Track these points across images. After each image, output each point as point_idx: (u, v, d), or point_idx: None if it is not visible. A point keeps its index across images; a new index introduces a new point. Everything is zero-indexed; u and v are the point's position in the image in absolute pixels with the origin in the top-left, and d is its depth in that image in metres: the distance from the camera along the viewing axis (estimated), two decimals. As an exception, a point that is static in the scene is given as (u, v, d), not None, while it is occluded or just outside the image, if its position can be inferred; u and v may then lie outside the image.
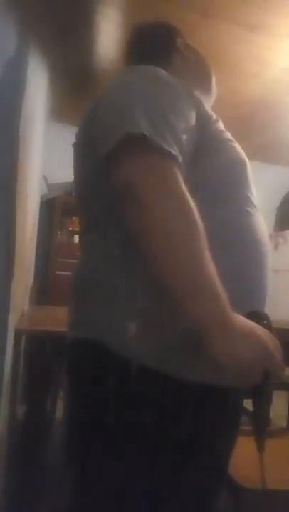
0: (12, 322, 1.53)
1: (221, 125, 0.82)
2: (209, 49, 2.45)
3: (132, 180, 0.60)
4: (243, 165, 0.81)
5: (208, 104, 0.90)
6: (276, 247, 4.52)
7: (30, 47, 1.60)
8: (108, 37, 2.47)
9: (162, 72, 0.75)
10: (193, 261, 0.58)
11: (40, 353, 2.18)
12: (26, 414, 2.14)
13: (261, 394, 0.67)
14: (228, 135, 0.81)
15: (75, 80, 3.01)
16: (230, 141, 0.81)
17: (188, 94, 0.76)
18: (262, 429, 0.74)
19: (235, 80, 2.81)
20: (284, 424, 1.85)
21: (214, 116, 0.80)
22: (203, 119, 0.75)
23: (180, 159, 0.63)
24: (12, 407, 1.62)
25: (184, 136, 0.66)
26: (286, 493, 1.16)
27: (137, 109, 0.63)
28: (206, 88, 0.98)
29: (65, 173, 3.91)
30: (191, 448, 0.73)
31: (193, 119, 0.71)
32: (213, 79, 1.02)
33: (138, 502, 0.72)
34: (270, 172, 4.56)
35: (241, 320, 0.61)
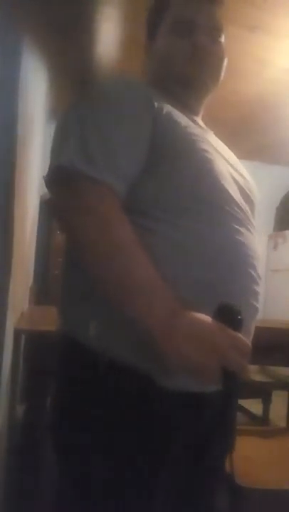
0: (11, 322, 1.53)
1: (191, 131, 0.76)
2: (209, 49, 2.46)
3: (60, 208, 0.68)
4: (216, 176, 0.75)
5: (190, 94, 0.86)
6: (275, 247, 4.52)
7: (29, 46, 1.60)
8: (108, 37, 2.47)
9: (117, 88, 0.75)
10: (121, 275, 0.61)
11: (40, 353, 2.18)
12: (26, 414, 2.14)
13: (228, 393, 0.63)
14: (201, 143, 0.76)
15: (75, 80, 3.01)
16: (204, 150, 0.75)
17: (144, 108, 0.72)
18: (233, 429, 0.67)
19: (235, 80, 2.81)
20: (283, 424, 1.85)
21: (184, 124, 0.76)
22: (165, 129, 0.72)
23: (113, 181, 0.65)
24: (12, 407, 1.62)
25: (126, 158, 0.68)
26: (286, 493, 1.16)
27: (72, 136, 0.67)
28: (169, 88, 0.85)
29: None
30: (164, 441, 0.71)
31: (143, 133, 0.70)
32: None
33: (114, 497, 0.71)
34: (270, 172, 4.57)
35: (190, 320, 0.60)
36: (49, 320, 2.10)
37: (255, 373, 3.71)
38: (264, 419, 2.36)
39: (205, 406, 0.73)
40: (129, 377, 0.67)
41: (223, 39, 0.88)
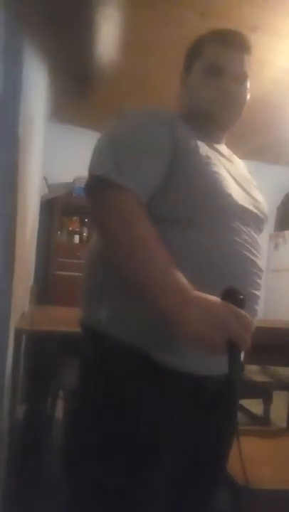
0: (12, 322, 1.53)
1: (206, 155, 0.90)
2: (209, 49, 2.45)
3: (94, 211, 0.83)
4: (222, 195, 0.87)
5: (209, 129, 0.99)
6: (276, 247, 4.52)
7: (30, 47, 1.60)
8: (108, 37, 2.47)
9: (143, 118, 0.90)
10: (142, 262, 0.73)
11: (41, 353, 2.18)
12: (26, 414, 2.15)
13: (233, 363, 0.70)
14: (212, 164, 0.89)
15: (75, 80, 3.01)
16: (215, 172, 0.88)
17: (164, 131, 0.87)
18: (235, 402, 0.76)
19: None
20: (284, 425, 1.85)
21: (200, 149, 0.89)
22: (182, 153, 0.86)
23: (136, 190, 0.79)
24: (12, 407, 1.62)
25: (147, 174, 0.82)
26: (286, 493, 1.16)
27: (105, 153, 0.83)
28: (197, 121, 0.98)
29: (65, 173, 3.94)
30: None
31: (163, 154, 0.84)
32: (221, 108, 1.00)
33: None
34: (270, 172, 4.56)
35: (200, 298, 0.71)
36: (50, 320, 2.10)
37: (255, 373, 3.71)
38: (265, 420, 2.35)
39: (203, 389, 0.84)
40: (132, 356, 0.79)
41: (248, 83, 1.04)
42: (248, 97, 1.04)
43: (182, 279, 0.71)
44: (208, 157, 0.90)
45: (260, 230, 0.98)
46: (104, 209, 0.79)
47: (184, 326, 0.69)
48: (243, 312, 0.70)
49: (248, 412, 2.51)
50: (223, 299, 0.71)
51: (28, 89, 1.62)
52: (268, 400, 2.38)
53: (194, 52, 1.00)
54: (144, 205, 0.80)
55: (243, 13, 2.12)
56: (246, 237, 0.89)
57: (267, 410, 2.36)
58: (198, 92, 0.98)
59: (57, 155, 3.56)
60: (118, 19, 2.29)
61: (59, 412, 2.10)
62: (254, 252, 0.90)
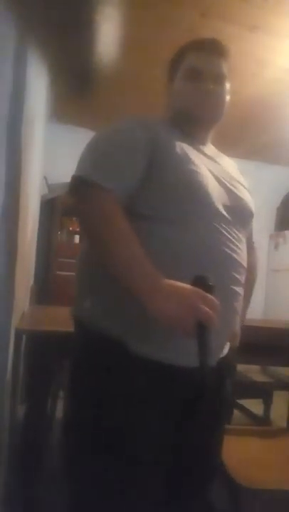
0: (13, 322, 1.53)
1: (186, 155, 0.96)
2: (209, 49, 2.45)
3: (76, 209, 0.93)
4: (199, 193, 0.93)
5: (190, 129, 1.05)
6: (276, 247, 4.52)
7: (30, 47, 1.60)
8: (108, 37, 2.47)
9: (125, 123, 0.98)
10: (122, 253, 0.81)
11: (41, 353, 2.18)
12: (27, 414, 2.14)
13: (200, 342, 0.75)
14: (191, 162, 0.95)
15: (75, 80, 3.01)
16: (193, 171, 0.94)
17: (143, 135, 0.93)
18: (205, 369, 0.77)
19: (235, 80, 2.79)
20: (284, 424, 1.85)
21: (179, 149, 0.95)
22: (161, 153, 0.93)
23: (115, 189, 0.86)
24: (12, 407, 1.62)
25: (126, 174, 0.89)
26: (286, 493, 1.16)
27: (86, 156, 0.91)
28: (181, 123, 1.05)
29: (65, 173, 3.92)
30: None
31: (141, 155, 0.91)
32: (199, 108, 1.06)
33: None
34: (270, 172, 4.56)
35: (169, 283, 0.77)
36: (50, 320, 2.10)
37: (256, 373, 3.71)
38: (265, 420, 2.35)
39: (178, 379, 0.87)
40: (112, 345, 0.86)
41: (227, 84, 1.08)
42: (228, 98, 1.10)
43: (154, 269, 0.79)
44: (187, 156, 0.95)
45: (243, 227, 1.04)
46: (86, 207, 0.87)
47: (156, 310, 0.75)
48: (209, 296, 0.75)
49: (248, 412, 2.51)
50: (192, 285, 0.76)
51: (29, 89, 1.62)
52: (268, 400, 2.38)
53: (176, 61, 1.08)
54: (122, 203, 0.86)
55: (243, 13, 2.11)
56: (226, 234, 0.94)
57: (267, 410, 2.36)
58: (180, 96, 1.06)
59: (57, 155, 3.56)
60: (118, 19, 2.29)
61: (59, 412, 2.10)
62: (233, 247, 0.95)
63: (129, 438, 0.86)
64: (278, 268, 4.39)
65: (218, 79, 1.05)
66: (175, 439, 0.93)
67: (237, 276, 0.95)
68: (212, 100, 1.05)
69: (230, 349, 1.05)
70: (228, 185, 1.03)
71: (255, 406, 2.48)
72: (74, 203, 0.91)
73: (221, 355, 1.00)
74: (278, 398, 2.40)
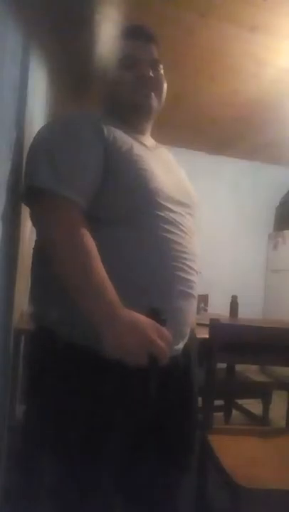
0: (13, 322, 1.53)
1: (137, 154, 0.94)
2: (208, 49, 2.46)
3: (35, 219, 0.89)
4: (147, 190, 0.92)
5: (136, 122, 1.05)
6: (275, 247, 4.52)
7: (30, 47, 1.60)
8: (108, 37, 2.47)
9: (72, 122, 0.96)
10: (80, 273, 0.79)
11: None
12: (26, 415, 2.14)
13: (151, 374, 0.79)
14: (141, 163, 0.93)
15: (75, 80, 3.01)
16: (144, 170, 0.93)
17: (96, 135, 0.91)
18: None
19: (235, 80, 2.81)
20: (283, 424, 1.85)
21: (125, 146, 0.94)
22: (113, 155, 0.91)
23: (76, 198, 0.83)
24: (12, 407, 1.62)
25: (84, 179, 0.87)
26: (286, 493, 1.16)
27: (40, 162, 0.86)
28: (120, 113, 1.04)
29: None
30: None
31: (97, 160, 0.89)
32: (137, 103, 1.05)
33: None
34: (270, 172, 4.56)
35: (128, 314, 0.78)
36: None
37: (255, 373, 3.71)
38: (264, 419, 2.36)
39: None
40: (78, 350, 0.84)
41: (161, 69, 1.06)
42: (165, 85, 1.07)
43: (115, 295, 0.78)
44: (134, 154, 0.94)
45: (192, 217, 1.04)
46: (44, 218, 0.85)
47: (113, 338, 0.76)
48: (164, 329, 0.78)
49: (247, 412, 2.51)
50: (147, 317, 0.79)
51: (30, 89, 1.62)
52: (267, 400, 2.38)
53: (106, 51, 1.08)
54: (84, 210, 0.85)
55: (243, 13, 2.12)
56: (175, 223, 0.94)
57: (266, 410, 2.36)
58: (118, 85, 1.03)
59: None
60: (118, 19, 2.29)
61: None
62: (184, 236, 0.96)
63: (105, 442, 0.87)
64: (277, 268, 4.39)
65: (154, 65, 1.04)
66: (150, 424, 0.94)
67: (188, 263, 0.96)
68: (152, 85, 1.03)
69: (190, 338, 1.05)
70: (174, 178, 1.03)
71: (254, 406, 2.48)
72: (31, 212, 0.89)
73: (180, 345, 0.99)
74: (277, 398, 2.41)
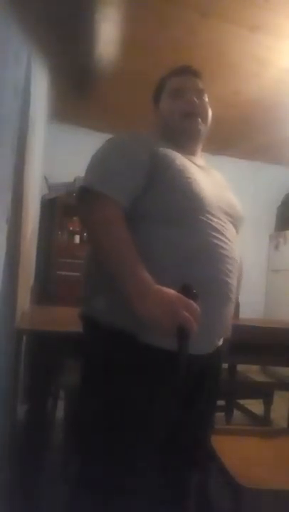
0: (13, 322, 1.53)
1: (181, 164, 1.07)
2: (209, 49, 2.46)
3: (81, 215, 1.06)
4: (195, 196, 1.04)
5: (184, 145, 1.17)
6: (276, 247, 4.52)
7: (31, 47, 1.60)
8: (108, 37, 2.47)
9: (126, 138, 1.11)
10: (116, 257, 0.92)
11: (41, 353, 2.18)
12: (27, 414, 2.14)
13: (181, 345, 0.85)
14: (187, 171, 1.06)
15: (75, 80, 3.01)
16: (188, 178, 1.05)
17: (143, 150, 1.05)
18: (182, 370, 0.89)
19: (235, 80, 2.81)
20: (284, 424, 1.85)
21: (176, 160, 1.06)
22: (158, 165, 1.03)
23: (117, 197, 0.96)
24: (13, 407, 1.62)
25: (127, 182, 0.99)
26: (286, 492, 1.16)
27: (92, 169, 1.03)
28: (172, 137, 1.18)
29: (65, 173, 3.93)
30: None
31: (142, 167, 1.02)
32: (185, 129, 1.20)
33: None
34: (270, 172, 4.56)
35: (157, 289, 0.87)
36: (50, 320, 2.10)
37: (256, 373, 3.71)
38: (265, 420, 2.35)
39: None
40: (122, 338, 0.96)
41: (206, 98, 1.23)
42: (210, 112, 1.23)
43: (147, 275, 0.89)
44: (182, 165, 1.07)
45: (236, 229, 1.15)
46: (89, 213, 0.98)
47: (143, 314, 0.86)
48: (192, 302, 0.86)
49: (248, 412, 2.51)
50: (179, 292, 0.87)
51: (30, 89, 1.62)
52: (268, 400, 2.37)
53: (160, 87, 1.25)
54: (124, 211, 0.97)
55: (243, 13, 2.11)
56: (219, 230, 1.05)
57: (267, 410, 2.36)
58: (167, 112, 1.20)
59: (57, 155, 3.56)
60: (118, 19, 2.29)
61: (59, 412, 2.10)
62: (227, 242, 1.06)
63: (142, 417, 0.98)
64: (278, 268, 4.39)
65: (199, 93, 1.20)
66: (177, 416, 1.06)
67: (229, 267, 1.05)
68: (198, 110, 1.18)
69: (224, 340, 1.16)
70: (220, 190, 1.15)
71: (256, 406, 2.48)
72: (80, 211, 1.03)
73: (219, 344, 1.12)
74: (278, 398, 2.40)
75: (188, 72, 1.24)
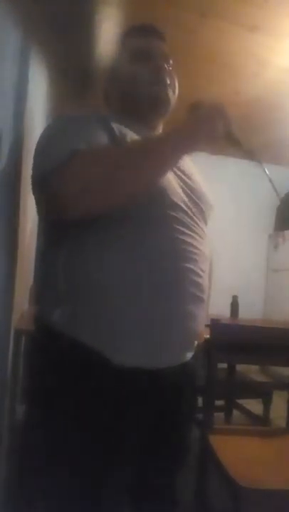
0: (12, 322, 1.53)
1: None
2: (209, 49, 2.46)
3: (50, 196, 0.81)
4: (157, 188, 0.88)
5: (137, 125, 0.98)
6: (276, 247, 4.52)
7: (31, 47, 1.60)
8: (108, 37, 2.47)
9: (74, 116, 0.95)
10: (137, 161, 0.81)
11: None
12: (26, 414, 2.14)
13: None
14: None
15: (75, 80, 3.01)
16: None
17: (101, 126, 0.89)
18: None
19: (236, 80, 2.81)
20: (283, 424, 1.85)
21: (127, 137, 0.90)
22: (113, 139, 0.87)
23: (79, 146, 0.79)
24: (12, 407, 1.62)
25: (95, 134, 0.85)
26: (286, 493, 1.16)
27: (60, 141, 0.82)
28: (130, 107, 1.01)
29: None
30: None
31: (100, 138, 0.85)
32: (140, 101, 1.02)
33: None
34: (271, 172, 4.55)
35: (178, 128, 0.84)
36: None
37: (255, 373, 3.71)
38: (264, 420, 2.35)
39: (157, 382, 0.86)
40: (86, 354, 0.81)
41: (171, 66, 1.04)
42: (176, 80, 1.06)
43: (162, 135, 0.89)
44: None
45: (204, 219, 1.01)
46: (71, 185, 0.77)
47: (188, 141, 0.84)
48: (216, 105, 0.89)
49: (247, 412, 2.51)
50: (191, 111, 0.91)
51: (29, 88, 1.62)
52: (267, 400, 2.38)
53: (115, 47, 1.07)
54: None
55: (243, 13, 2.11)
56: (187, 224, 0.91)
57: (267, 410, 2.36)
58: (129, 77, 1.00)
59: (57, 155, 3.55)
60: (118, 19, 2.29)
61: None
62: (197, 238, 0.93)
63: (114, 445, 0.84)
64: (278, 268, 4.39)
65: (166, 59, 1.02)
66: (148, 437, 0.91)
67: (202, 267, 0.92)
68: (167, 78, 1.00)
69: (194, 356, 1.00)
70: (183, 177, 0.99)
71: (255, 406, 2.48)
72: (50, 189, 0.79)
73: (188, 355, 0.96)
74: (278, 398, 2.40)
75: (153, 32, 1.04)
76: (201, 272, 0.91)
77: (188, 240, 0.90)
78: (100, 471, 0.83)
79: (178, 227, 0.89)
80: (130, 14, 2.22)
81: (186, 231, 0.90)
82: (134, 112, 0.99)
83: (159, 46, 1.03)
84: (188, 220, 0.92)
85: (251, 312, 3.09)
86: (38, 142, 0.89)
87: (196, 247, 0.91)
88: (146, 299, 0.83)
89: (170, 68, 1.03)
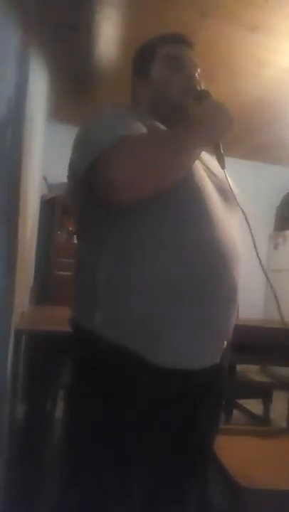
0: (12, 322, 1.53)
1: None
2: (209, 49, 2.46)
3: (101, 183, 0.83)
4: (191, 182, 0.91)
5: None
6: (276, 247, 4.52)
7: (31, 47, 1.60)
8: (108, 37, 2.47)
9: (115, 111, 0.99)
10: (173, 151, 0.86)
11: (41, 353, 2.18)
12: (26, 414, 2.14)
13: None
14: None
15: (75, 80, 3.01)
16: None
17: (134, 115, 0.94)
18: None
19: (235, 80, 2.81)
20: (284, 424, 1.85)
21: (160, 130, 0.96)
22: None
23: (126, 133, 0.84)
24: (12, 407, 1.62)
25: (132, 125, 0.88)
26: (286, 493, 1.16)
27: (103, 131, 0.86)
28: (163, 112, 1.03)
29: (65, 173, 3.93)
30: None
31: (141, 128, 0.89)
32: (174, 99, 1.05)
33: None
34: (270, 172, 4.56)
35: (191, 124, 0.93)
36: (50, 320, 2.10)
37: (255, 373, 3.71)
38: (264, 420, 2.36)
39: (191, 382, 0.89)
40: (125, 356, 0.83)
41: (199, 73, 1.10)
42: None
43: (181, 132, 0.90)
44: None
45: (233, 211, 1.03)
46: (126, 152, 0.81)
47: (220, 134, 0.97)
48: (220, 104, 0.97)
49: (247, 412, 2.51)
50: (198, 100, 0.98)
51: (30, 89, 1.62)
52: (267, 400, 2.38)
53: (148, 54, 1.07)
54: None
55: (243, 13, 2.12)
56: (219, 216, 0.94)
57: (267, 410, 2.36)
58: (164, 84, 1.04)
59: (57, 155, 3.55)
60: (118, 19, 2.29)
61: (59, 412, 2.10)
62: (232, 237, 0.97)
63: (146, 440, 0.87)
64: (278, 268, 4.39)
65: (196, 67, 1.08)
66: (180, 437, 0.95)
67: (234, 268, 0.96)
68: (196, 86, 1.05)
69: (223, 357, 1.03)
70: (215, 174, 1.03)
71: (255, 406, 2.48)
72: (120, 163, 0.80)
73: (217, 360, 0.97)
74: (278, 398, 2.40)
75: (183, 41, 1.08)
76: (236, 274, 0.95)
77: (227, 241, 0.94)
78: (137, 470, 0.87)
79: (218, 229, 0.92)
80: (130, 14, 2.22)
81: (225, 233, 0.94)
82: (162, 116, 1.02)
83: (190, 55, 1.07)
84: (226, 221, 0.96)
85: (251, 312, 3.08)
86: (78, 137, 0.94)
87: (233, 248, 0.95)
88: (185, 302, 0.85)
89: (199, 77, 1.09)
